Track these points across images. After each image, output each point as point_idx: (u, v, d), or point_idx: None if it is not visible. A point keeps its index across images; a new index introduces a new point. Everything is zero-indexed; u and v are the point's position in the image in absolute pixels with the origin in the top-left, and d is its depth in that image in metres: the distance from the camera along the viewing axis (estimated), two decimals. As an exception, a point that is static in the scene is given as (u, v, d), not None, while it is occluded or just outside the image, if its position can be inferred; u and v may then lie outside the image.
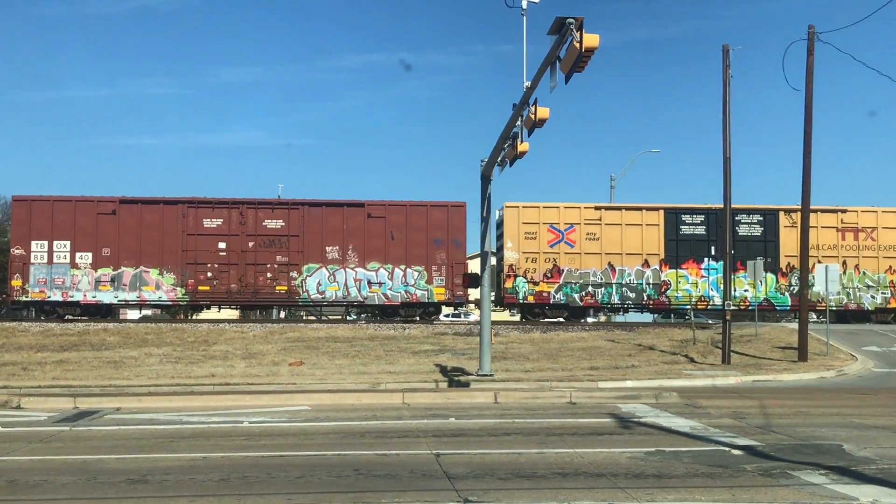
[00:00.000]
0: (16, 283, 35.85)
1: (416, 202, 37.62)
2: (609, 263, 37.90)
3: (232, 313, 47.93)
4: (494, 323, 26.57)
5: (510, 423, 15.25)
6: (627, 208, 38.88)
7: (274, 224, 37.01)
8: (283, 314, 53.29)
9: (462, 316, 54.83)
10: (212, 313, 46.37)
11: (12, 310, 40.07)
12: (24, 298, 36.13)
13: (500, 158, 20.56)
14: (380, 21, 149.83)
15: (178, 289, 36.49)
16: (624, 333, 33.64)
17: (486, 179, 22.15)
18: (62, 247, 36.06)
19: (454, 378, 22.11)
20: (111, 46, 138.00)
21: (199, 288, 36.42)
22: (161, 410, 17.23)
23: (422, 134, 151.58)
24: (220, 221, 36.68)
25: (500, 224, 38.72)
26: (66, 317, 36.08)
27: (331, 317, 45.87)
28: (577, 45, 14.11)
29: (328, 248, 37.15)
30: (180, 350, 28.09)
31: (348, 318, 42.64)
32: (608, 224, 38.26)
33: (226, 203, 36.89)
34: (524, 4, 17.69)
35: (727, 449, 12.38)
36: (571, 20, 14.25)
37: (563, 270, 37.62)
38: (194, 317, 45.25)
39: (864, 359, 27.35)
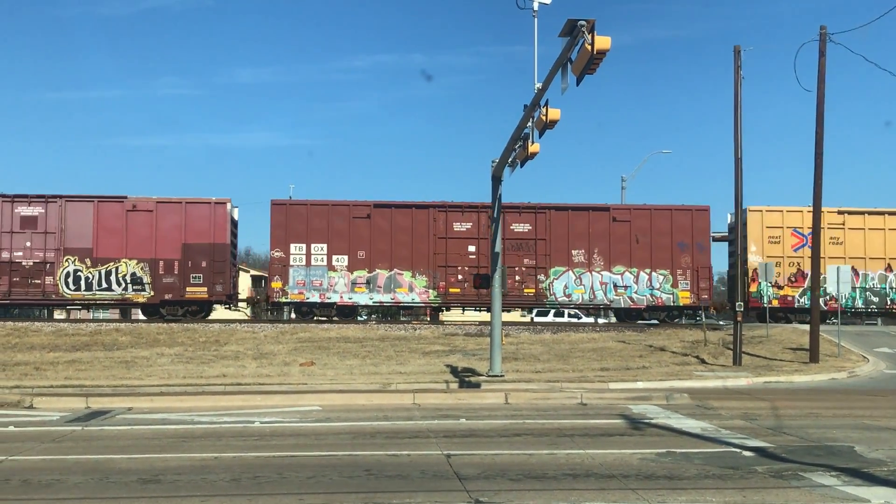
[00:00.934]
0: (276, 284, 36.95)
1: (660, 206, 37.78)
2: (852, 268, 37.47)
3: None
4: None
5: (521, 423, 15.25)
6: (870, 213, 38.93)
7: (521, 228, 37.46)
8: (293, 315, 53.27)
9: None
10: (229, 313, 46.42)
11: (266, 310, 41.48)
12: (283, 300, 37.29)
13: (511, 159, 20.55)
14: (392, 22, 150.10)
15: (431, 291, 37.21)
16: (634, 334, 33.59)
17: (496, 180, 22.15)
18: (319, 250, 36.96)
19: (465, 379, 22.12)
20: (124, 47, 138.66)
21: (451, 290, 37.04)
22: (172, 410, 17.28)
23: (433, 134, 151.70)
24: (469, 225, 37.25)
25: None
26: (319, 318, 37.15)
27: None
28: (589, 47, 14.10)
29: (574, 252, 37.54)
30: (192, 350, 28.17)
31: (360, 317, 42.62)
32: (851, 228, 38.47)
33: (475, 207, 37.26)
34: (535, 6, 17.68)
35: (738, 450, 12.37)
36: (583, 22, 14.23)
37: (806, 274, 37.12)
38: (441, 318, 46.21)
39: (875, 360, 27.27)
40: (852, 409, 17.27)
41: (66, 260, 35.87)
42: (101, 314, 52.60)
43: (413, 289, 36.63)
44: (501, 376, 21.75)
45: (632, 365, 25.99)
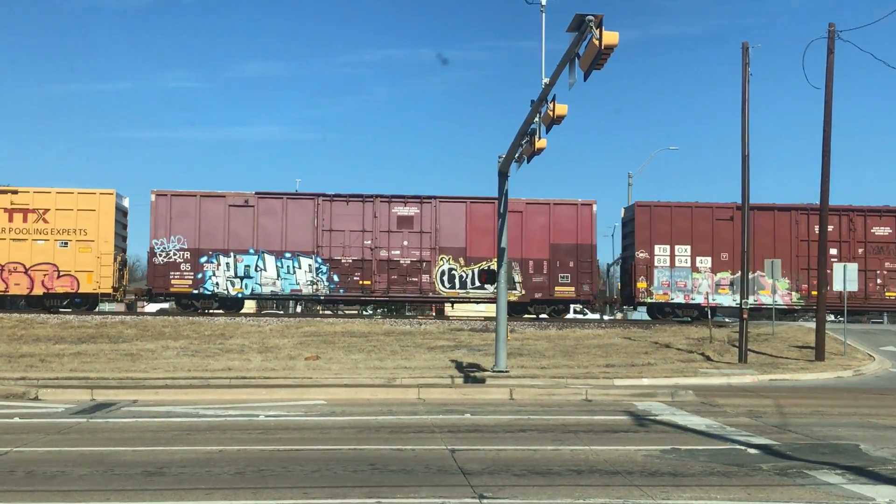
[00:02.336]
0: (641, 284, 37.25)
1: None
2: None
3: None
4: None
5: (525, 419, 15.24)
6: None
7: (881, 231, 37.63)
8: (299, 308, 53.25)
9: None
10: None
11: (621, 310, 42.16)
12: (648, 300, 37.65)
13: (517, 155, 20.53)
14: (400, 16, 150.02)
15: (793, 293, 37.55)
16: (640, 331, 33.56)
17: (503, 176, 22.14)
18: (683, 251, 37.29)
19: (470, 374, 22.12)
20: (132, 40, 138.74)
21: (812, 293, 36.22)
22: (177, 403, 17.31)
23: (441, 129, 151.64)
24: (830, 228, 36.67)
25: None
26: (682, 318, 37.48)
27: (347, 311, 45.95)
28: (597, 42, 14.07)
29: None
30: (197, 343, 28.20)
31: (364, 312, 42.67)
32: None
33: (837, 210, 37.17)
34: (543, 1, 17.66)
35: (743, 448, 12.35)
36: (591, 17, 14.19)
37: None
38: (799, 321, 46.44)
39: (881, 359, 27.23)
40: (858, 408, 17.24)
41: (441, 259, 36.79)
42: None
43: (776, 291, 36.27)
44: (506, 372, 21.75)
45: (637, 361, 25.98)
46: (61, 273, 35.12)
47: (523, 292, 36.55)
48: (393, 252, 36.57)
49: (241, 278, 35.86)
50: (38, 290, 35.30)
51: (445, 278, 36.79)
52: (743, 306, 26.89)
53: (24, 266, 35.17)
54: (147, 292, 37.29)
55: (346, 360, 25.20)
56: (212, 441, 12.71)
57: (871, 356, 27.73)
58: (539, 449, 12.15)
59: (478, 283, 36.45)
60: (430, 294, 37.10)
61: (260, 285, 36.26)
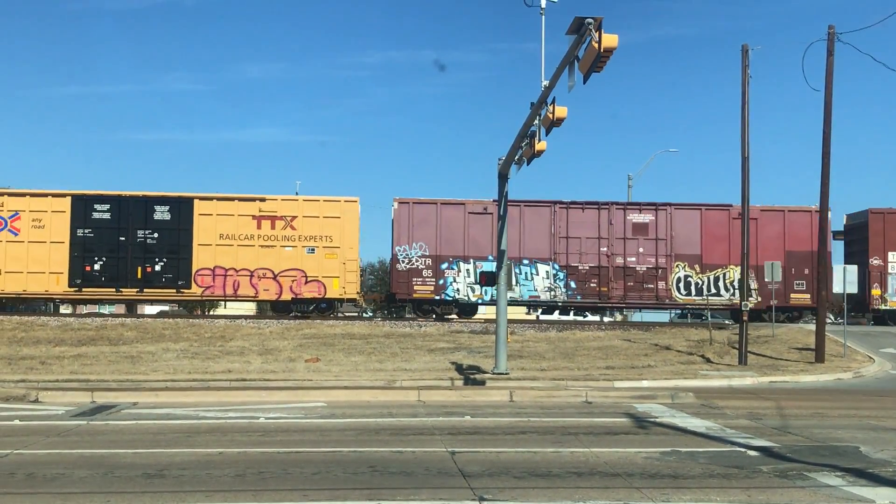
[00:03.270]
0: (875, 292, 37.60)
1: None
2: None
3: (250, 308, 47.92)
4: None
5: (526, 421, 15.25)
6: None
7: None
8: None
9: None
10: (227, 310, 46.50)
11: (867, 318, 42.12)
12: (882, 307, 37.90)
13: (517, 157, 20.54)
14: (401, 19, 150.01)
15: None
16: (640, 333, 33.56)
17: (503, 178, 22.14)
18: None
19: (470, 376, 22.12)
20: (134, 42, 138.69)
21: None
22: (178, 405, 17.32)
23: (441, 131, 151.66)
24: None
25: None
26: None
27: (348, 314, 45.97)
28: (596, 45, 14.08)
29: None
30: (197, 345, 28.20)
31: (363, 315, 42.72)
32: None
33: None
34: (543, 3, 17.68)
35: (743, 450, 12.36)
36: (590, 20, 14.21)
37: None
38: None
39: (881, 360, 27.23)
40: (858, 410, 17.25)
41: (677, 265, 37.17)
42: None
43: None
44: (506, 374, 21.75)
45: (637, 364, 25.97)
46: (309, 279, 35.77)
47: (759, 299, 36.66)
48: (629, 259, 37.01)
49: (481, 285, 36.33)
50: (287, 296, 36.21)
51: (681, 285, 37.26)
52: (743, 308, 26.87)
53: (273, 272, 35.94)
54: (389, 297, 38.21)
55: (346, 363, 25.20)
56: (212, 443, 12.72)
57: (871, 358, 27.73)
58: (539, 451, 12.16)
59: (713, 290, 37.15)
60: (667, 301, 37.65)
61: None
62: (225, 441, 12.96)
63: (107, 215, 35.73)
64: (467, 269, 36.78)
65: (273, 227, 36.07)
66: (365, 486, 9.79)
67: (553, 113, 17.26)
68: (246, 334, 30.68)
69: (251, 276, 35.79)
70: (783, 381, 23.44)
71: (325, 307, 37.20)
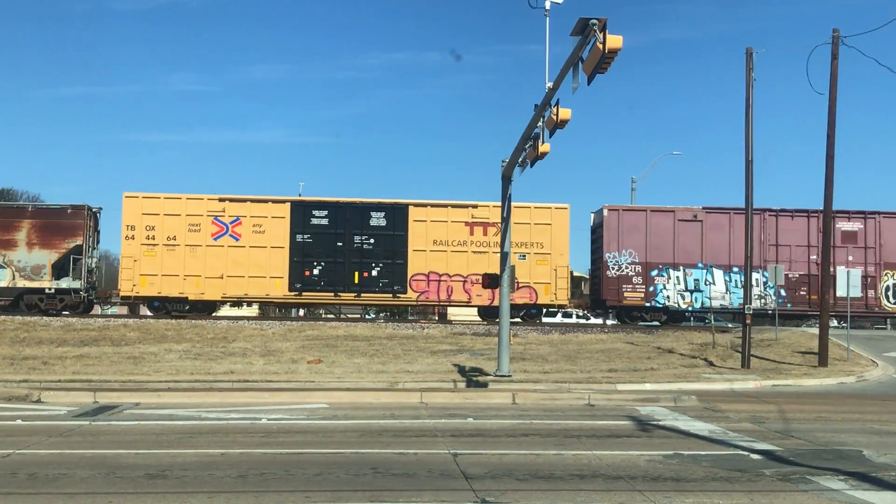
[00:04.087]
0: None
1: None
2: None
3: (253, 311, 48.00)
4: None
5: (528, 423, 15.23)
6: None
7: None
8: (301, 312, 53.28)
9: None
10: (231, 311, 46.48)
11: None
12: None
13: (521, 159, 20.53)
14: (406, 20, 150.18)
15: None
16: (643, 336, 33.53)
17: (506, 180, 22.14)
18: None
19: (472, 378, 22.10)
20: (138, 43, 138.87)
21: None
22: (180, 406, 17.31)
23: (445, 133, 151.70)
24: None
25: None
26: None
27: (349, 315, 45.97)
28: (601, 46, 14.07)
29: None
30: (199, 346, 28.20)
31: (367, 316, 42.76)
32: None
33: None
34: (547, 5, 17.67)
35: (746, 453, 12.33)
36: (595, 21, 14.20)
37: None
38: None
39: (885, 364, 27.20)
40: (861, 414, 17.22)
41: (886, 274, 37.40)
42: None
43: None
44: (509, 376, 21.73)
45: (640, 366, 25.94)
46: (520, 285, 35.64)
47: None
48: (838, 267, 36.84)
49: (691, 292, 36.36)
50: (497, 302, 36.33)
51: (890, 293, 37.46)
52: (747, 311, 26.85)
53: None
54: (597, 303, 38.65)
55: (348, 364, 25.19)
56: (214, 444, 12.71)
57: (874, 362, 27.69)
58: (542, 453, 12.14)
59: None
60: (876, 309, 37.81)
61: (709, 299, 37.18)
62: (227, 442, 12.95)
63: (324, 221, 36.52)
64: (677, 277, 37.13)
65: (485, 234, 36.65)
66: (367, 487, 9.77)
67: (557, 115, 17.25)
68: (248, 335, 30.68)
69: (464, 281, 36.50)
70: (786, 384, 23.40)
71: (535, 313, 37.67)
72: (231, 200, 36.50)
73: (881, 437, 13.99)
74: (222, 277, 35.93)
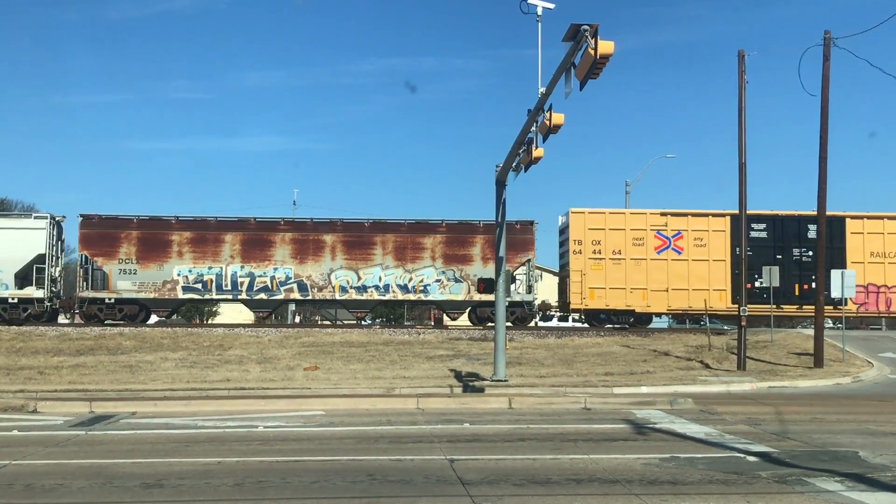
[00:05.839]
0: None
1: None
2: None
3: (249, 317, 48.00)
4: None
5: (525, 428, 15.24)
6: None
7: None
8: (297, 318, 53.32)
9: None
10: (226, 318, 46.40)
11: None
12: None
13: (514, 164, 20.57)
14: (400, 26, 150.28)
15: None
16: (639, 339, 33.56)
17: (500, 185, 22.17)
18: None
19: (469, 383, 22.11)
20: (133, 50, 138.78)
21: None
22: (176, 415, 17.29)
23: (439, 139, 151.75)
24: None
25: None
26: None
27: (346, 322, 45.96)
28: (592, 51, 14.12)
29: None
30: (196, 354, 28.18)
31: (363, 322, 42.71)
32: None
33: None
34: (539, 11, 17.71)
35: (742, 455, 12.34)
36: (586, 27, 14.25)
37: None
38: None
39: (880, 365, 27.24)
40: (857, 415, 17.24)
41: None
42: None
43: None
44: (505, 381, 21.74)
45: (636, 370, 25.97)
46: None
47: None
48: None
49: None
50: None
51: None
52: (741, 313, 26.88)
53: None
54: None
55: (344, 371, 25.19)
56: (210, 453, 12.69)
57: (869, 363, 27.74)
58: (538, 458, 12.14)
59: None
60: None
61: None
62: (223, 450, 12.94)
63: (763, 234, 37.30)
64: None
65: None
66: (364, 494, 9.77)
67: (550, 120, 17.29)
68: (245, 343, 30.66)
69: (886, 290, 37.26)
70: (782, 386, 23.44)
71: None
72: (672, 215, 37.48)
73: (877, 438, 14.01)
74: (667, 290, 36.85)
